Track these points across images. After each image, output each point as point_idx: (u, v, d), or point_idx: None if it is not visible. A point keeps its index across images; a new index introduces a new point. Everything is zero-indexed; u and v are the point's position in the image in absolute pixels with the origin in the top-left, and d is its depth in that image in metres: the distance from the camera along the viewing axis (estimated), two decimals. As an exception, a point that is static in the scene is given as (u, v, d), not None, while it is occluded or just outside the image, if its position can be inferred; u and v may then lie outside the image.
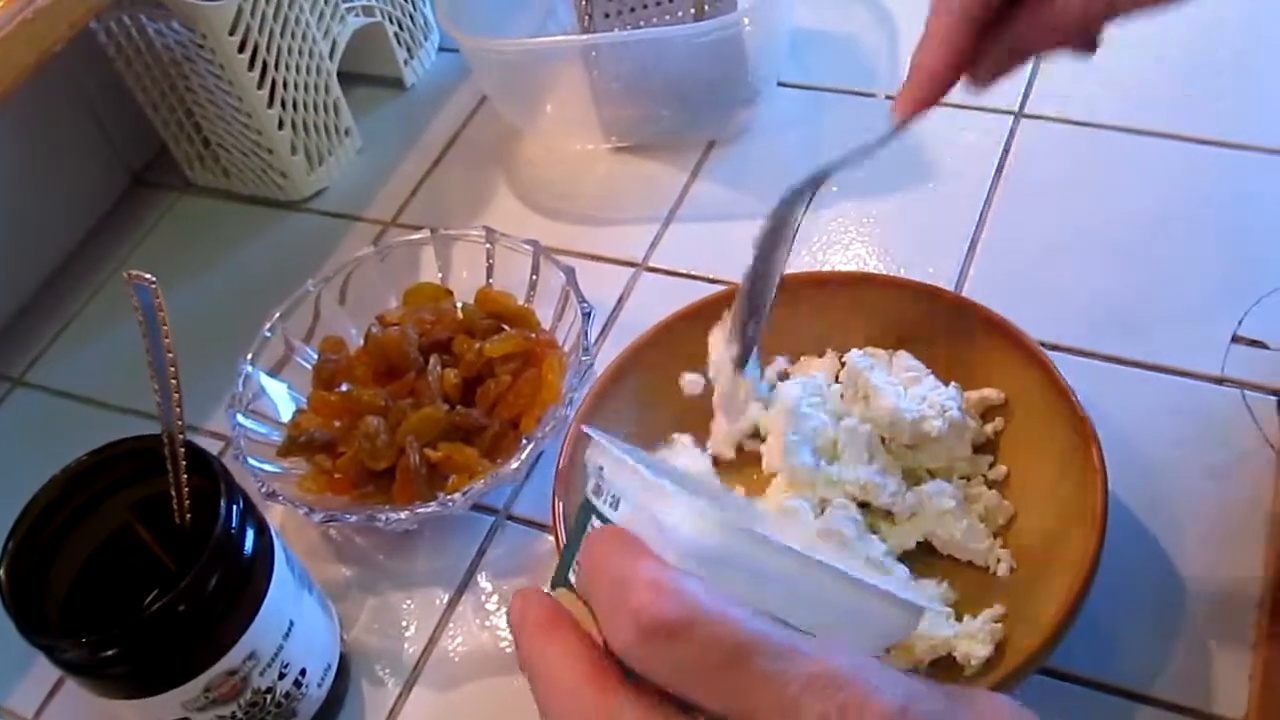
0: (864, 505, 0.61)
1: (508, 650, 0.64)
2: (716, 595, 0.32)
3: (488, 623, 0.65)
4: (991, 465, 0.63)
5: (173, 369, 0.55)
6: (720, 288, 0.75)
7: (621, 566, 0.32)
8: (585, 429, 0.40)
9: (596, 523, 0.36)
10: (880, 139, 0.51)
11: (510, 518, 0.69)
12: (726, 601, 0.32)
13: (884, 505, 0.60)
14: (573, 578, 0.36)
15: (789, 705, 0.30)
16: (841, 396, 0.65)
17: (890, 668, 0.32)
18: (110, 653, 0.51)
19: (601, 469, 0.36)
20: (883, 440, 0.62)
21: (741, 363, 0.55)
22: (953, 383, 0.63)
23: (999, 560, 0.59)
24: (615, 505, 0.36)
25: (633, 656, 0.32)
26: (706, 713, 0.32)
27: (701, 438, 0.63)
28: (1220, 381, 0.67)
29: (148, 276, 0.54)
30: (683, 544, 0.33)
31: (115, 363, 0.83)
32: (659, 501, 0.34)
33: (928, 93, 0.50)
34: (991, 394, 0.63)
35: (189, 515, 0.56)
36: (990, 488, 0.62)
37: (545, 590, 0.37)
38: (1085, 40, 0.49)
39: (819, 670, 0.31)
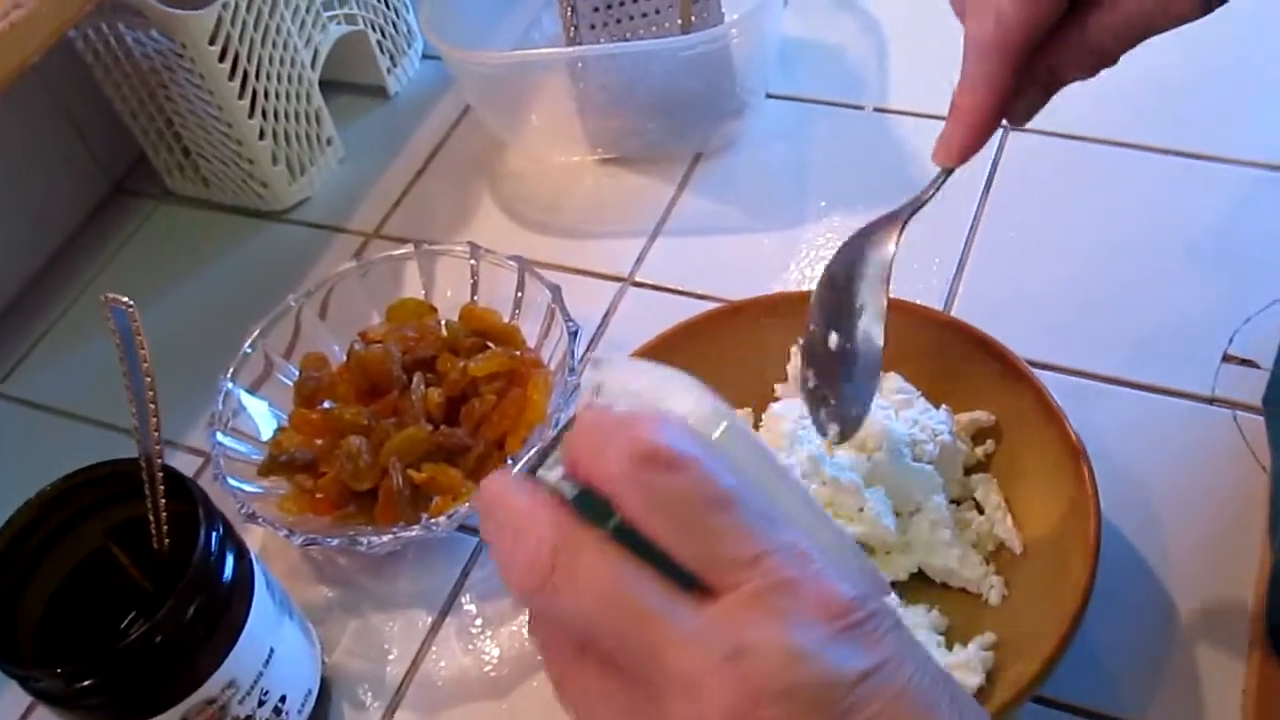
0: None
1: (492, 674, 0.63)
2: (715, 456, 0.32)
3: (471, 645, 0.64)
4: (982, 488, 0.62)
5: (151, 393, 0.53)
6: (708, 304, 0.75)
7: (621, 417, 0.33)
8: (594, 358, 0.40)
9: None
10: (931, 187, 0.52)
11: (495, 538, 0.68)
12: (722, 463, 0.32)
13: (880, 536, 0.59)
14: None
15: (752, 561, 0.31)
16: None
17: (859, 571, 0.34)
18: (86, 683, 0.50)
19: (600, 385, 0.37)
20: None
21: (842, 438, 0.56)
22: (943, 406, 0.62)
23: (991, 587, 0.58)
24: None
25: (619, 482, 0.32)
26: (667, 554, 0.31)
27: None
28: (1211, 401, 0.67)
29: (124, 299, 0.52)
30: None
31: (92, 375, 0.82)
32: (666, 387, 0.35)
33: (975, 138, 0.50)
34: (982, 416, 0.63)
35: (167, 540, 0.55)
36: (981, 512, 0.61)
37: None
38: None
39: (794, 544, 0.31)
